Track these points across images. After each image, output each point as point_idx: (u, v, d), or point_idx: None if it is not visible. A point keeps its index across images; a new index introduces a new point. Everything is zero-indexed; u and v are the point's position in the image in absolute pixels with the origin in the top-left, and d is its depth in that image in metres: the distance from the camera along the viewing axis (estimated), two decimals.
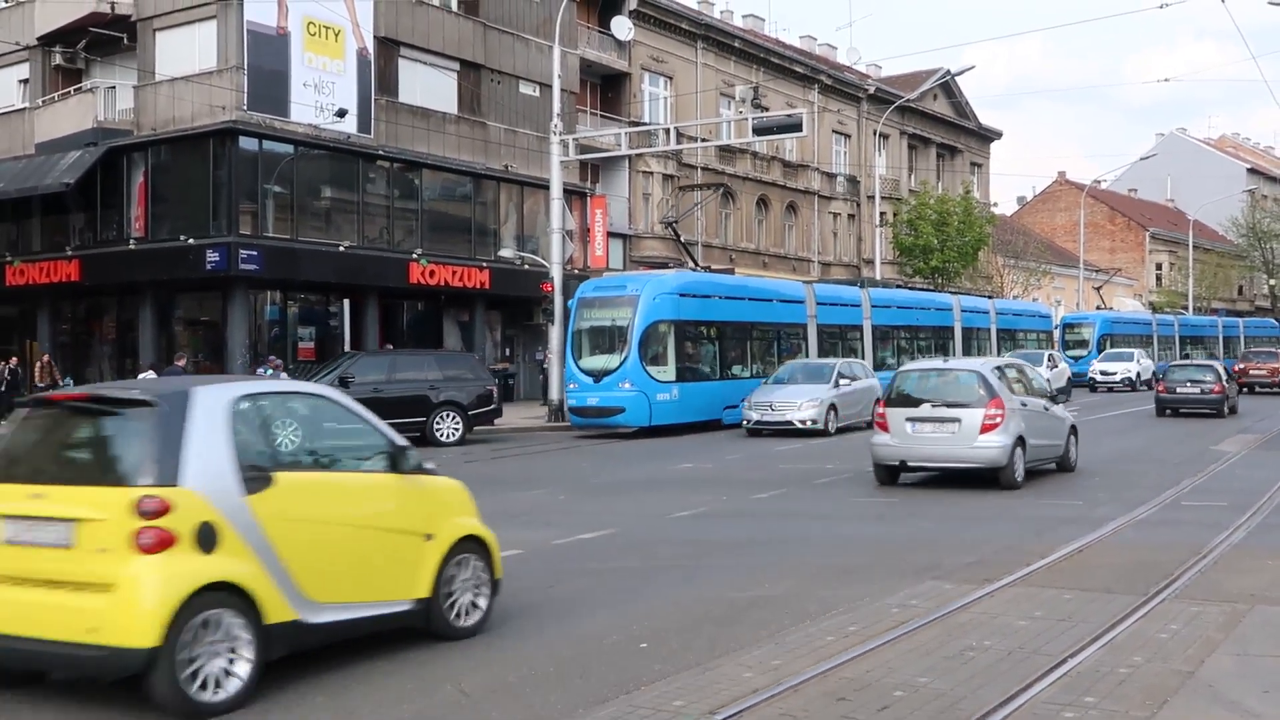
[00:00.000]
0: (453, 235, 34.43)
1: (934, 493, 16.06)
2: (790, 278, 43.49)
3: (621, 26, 40.03)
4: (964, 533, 12.60)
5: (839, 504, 15.14)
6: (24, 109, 33.34)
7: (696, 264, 30.10)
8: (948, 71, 58.76)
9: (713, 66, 45.62)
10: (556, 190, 29.36)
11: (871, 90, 55.09)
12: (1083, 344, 52.55)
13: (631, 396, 25.79)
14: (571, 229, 35.15)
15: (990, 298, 49.41)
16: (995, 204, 67.05)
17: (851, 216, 54.20)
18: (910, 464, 16.21)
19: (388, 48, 32.11)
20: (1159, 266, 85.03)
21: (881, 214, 50.44)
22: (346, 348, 31.94)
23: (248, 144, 29.06)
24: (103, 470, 6.77)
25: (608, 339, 26.72)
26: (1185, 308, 72.76)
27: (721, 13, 50.55)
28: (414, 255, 32.40)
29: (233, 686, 6.44)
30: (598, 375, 26.09)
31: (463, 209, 35.13)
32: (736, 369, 29.63)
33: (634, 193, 41.62)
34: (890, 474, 16.43)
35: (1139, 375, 46.02)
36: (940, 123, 61.37)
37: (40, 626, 6.32)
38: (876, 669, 7.14)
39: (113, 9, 30.17)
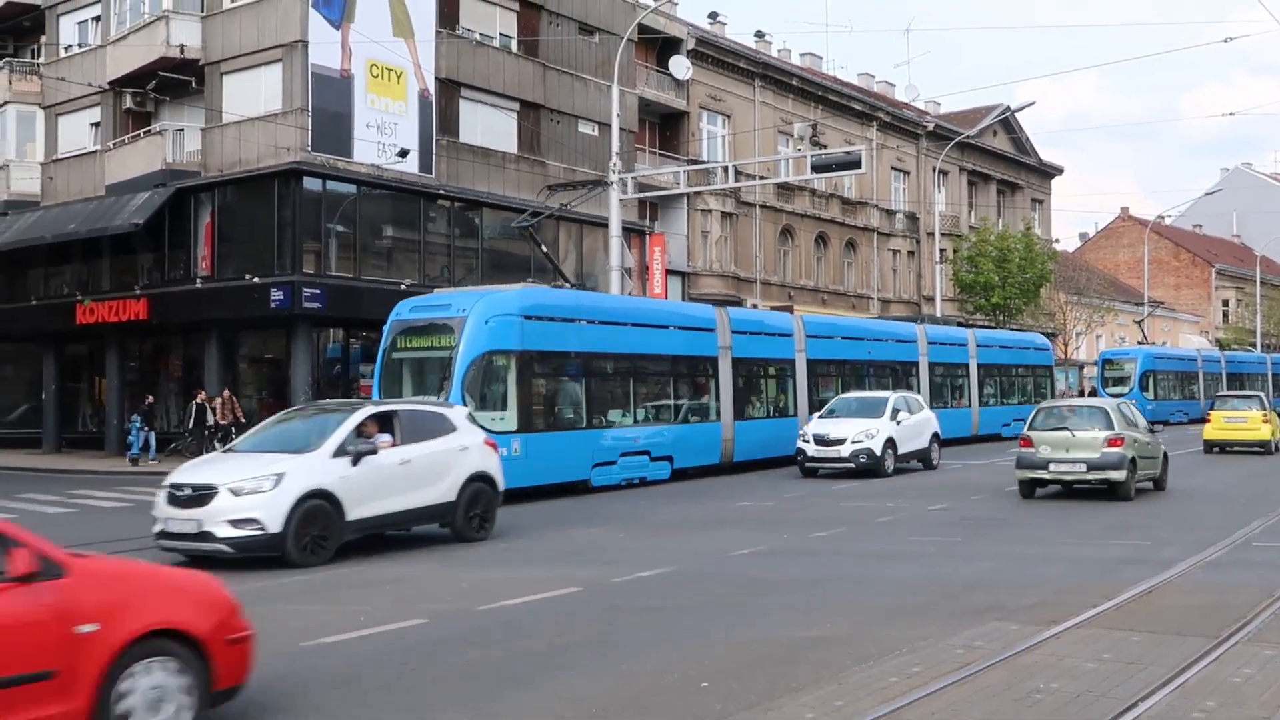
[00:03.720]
0: (513, 273, 34.60)
1: (991, 532, 15.85)
2: (850, 314, 43.30)
3: (680, 66, 40.32)
4: (1025, 573, 12.40)
5: (895, 543, 14.98)
6: (95, 151, 34.09)
7: (567, 279, 24.88)
8: (1007, 108, 58.51)
9: (771, 104, 45.73)
10: (615, 228, 29.46)
11: (930, 127, 54.93)
12: (1123, 381, 49.24)
13: None
14: (630, 267, 35.26)
15: (969, 327, 42.21)
16: (1057, 240, 66.46)
17: (911, 253, 53.93)
18: None
19: (449, 88, 32.51)
20: (1225, 303, 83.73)
21: (941, 251, 50.12)
22: None
23: (311, 184, 29.49)
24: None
25: (424, 376, 20.88)
26: (1254, 345, 71.49)
27: (779, 51, 50.70)
28: None
29: None
30: None
31: (522, 247, 35.28)
32: (615, 414, 23.51)
33: (693, 230, 41.70)
34: None
35: (891, 444, 24.89)
36: (1000, 159, 61.02)
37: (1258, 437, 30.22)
38: (941, 711, 7.03)
39: (182, 52, 30.82)
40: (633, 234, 36.34)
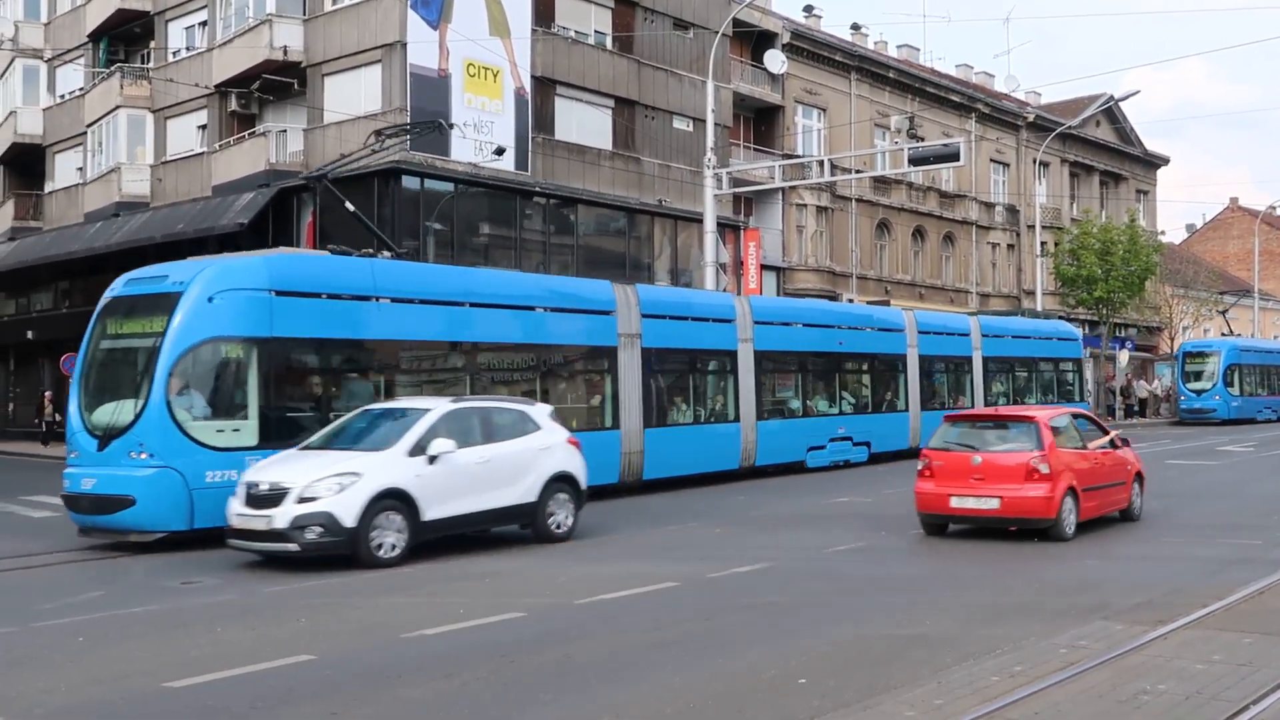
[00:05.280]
0: (607, 269, 34.72)
1: (1102, 534, 15.54)
2: (948, 309, 42.70)
3: (775, 60, 40.10)
4: (1132, 573, 12.17)
5: (997, 544, 14.76)
6: (202, 153, 34.94)
7: (390, 246, 19.74)
8: (1110, 97, 57.21)
9: (867, 98, 45.29)
10: (710, 224, 29.43)
11: (1030, 118, 53.96)
12: (1205, 375, 45.49)
13: (149, 476, 14.42)
14: (725, 262, 35.16)
15: (974, 315, 35.73)
16: (1163, 232, 64.86)
17: (1011, 246, 53.05)
18: None
19: (545, 87, 32.73)
20: None
21: (1043, 244, 49.24)
22: None
23: (410, 183, 29.90)
24: None
25: (127, 373, 15.59)
26: None
27: (875, 44, 50.19)
28: None
29: None
30: (104, 437, 14.91)
31: (617, 243, 35.50)
32: None
33: (788, 225, 41.49)
34: None
35: (399, 504, 13.00)
36: (1103, 149, 59.74)
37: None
38: (1045, 711, 6.92)
39: (285, 55, 31.46)
40: (727, 229, 36.25)
